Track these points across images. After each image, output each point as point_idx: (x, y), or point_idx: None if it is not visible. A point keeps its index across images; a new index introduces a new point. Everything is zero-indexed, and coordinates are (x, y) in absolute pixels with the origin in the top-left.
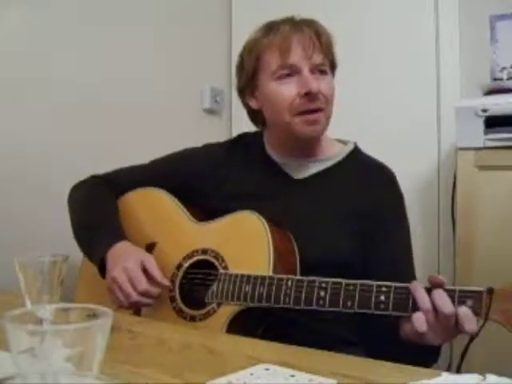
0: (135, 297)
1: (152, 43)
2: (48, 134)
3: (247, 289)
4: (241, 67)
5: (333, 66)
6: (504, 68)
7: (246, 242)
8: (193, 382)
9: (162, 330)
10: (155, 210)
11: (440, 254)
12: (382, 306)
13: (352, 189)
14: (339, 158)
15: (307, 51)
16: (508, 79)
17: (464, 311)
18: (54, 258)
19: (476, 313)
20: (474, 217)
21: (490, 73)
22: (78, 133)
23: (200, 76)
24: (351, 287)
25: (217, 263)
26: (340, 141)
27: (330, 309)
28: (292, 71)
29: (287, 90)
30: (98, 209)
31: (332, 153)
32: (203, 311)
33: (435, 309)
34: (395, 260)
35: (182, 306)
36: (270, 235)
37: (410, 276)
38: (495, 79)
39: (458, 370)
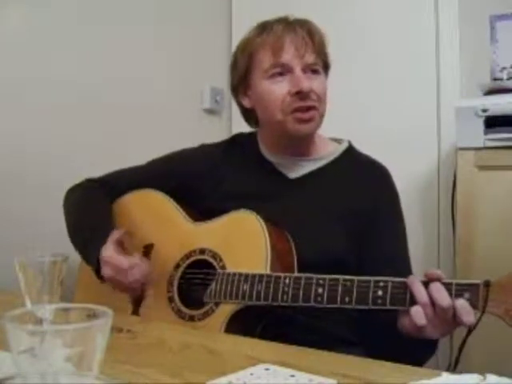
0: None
1: (152, 43)
2: (48, 134)
3: (245, 287)
4: (234, 66)
5: (326, 66)
6: (504, 68)
7: (243, 242)
8: (193, 382)
9: (162, 330)
10: (152, 211)
11: (440, 254)
12: (380, 301)
13: (346, 188)
14: (333, 156)
15: (300, 51)
16: (508, 79)
17: (461, 303)
18: (54, 258)
19: (473, 305)
20: (474, 217)
21: (490, 73)
22: (78, 133)
23: (200, 76)
24: (349, 283)
25: (215, 263)
26: (334, 139)
27: (328, 305)
28: (284, 70)
29: (279, 89)
30: (91, 211)
31: (326, 152)
32: (202, 311)
33: (433, 302)
34: (391, 258)
35: (180, 306)
36: (267, 235)
37: (407, 272)
38: (495, 79)
39: (456, 363)
